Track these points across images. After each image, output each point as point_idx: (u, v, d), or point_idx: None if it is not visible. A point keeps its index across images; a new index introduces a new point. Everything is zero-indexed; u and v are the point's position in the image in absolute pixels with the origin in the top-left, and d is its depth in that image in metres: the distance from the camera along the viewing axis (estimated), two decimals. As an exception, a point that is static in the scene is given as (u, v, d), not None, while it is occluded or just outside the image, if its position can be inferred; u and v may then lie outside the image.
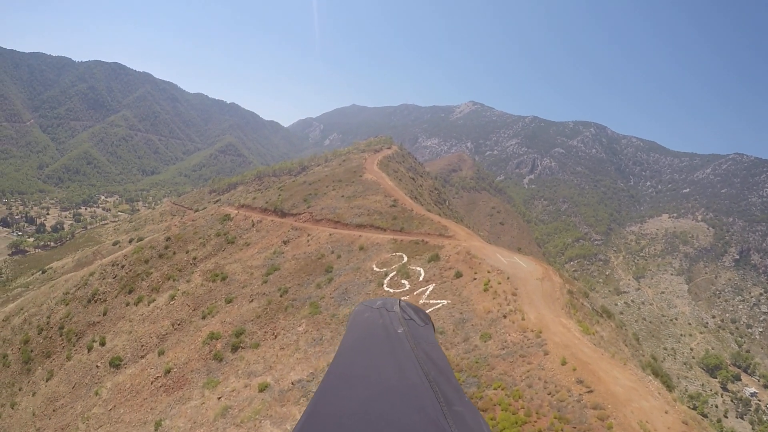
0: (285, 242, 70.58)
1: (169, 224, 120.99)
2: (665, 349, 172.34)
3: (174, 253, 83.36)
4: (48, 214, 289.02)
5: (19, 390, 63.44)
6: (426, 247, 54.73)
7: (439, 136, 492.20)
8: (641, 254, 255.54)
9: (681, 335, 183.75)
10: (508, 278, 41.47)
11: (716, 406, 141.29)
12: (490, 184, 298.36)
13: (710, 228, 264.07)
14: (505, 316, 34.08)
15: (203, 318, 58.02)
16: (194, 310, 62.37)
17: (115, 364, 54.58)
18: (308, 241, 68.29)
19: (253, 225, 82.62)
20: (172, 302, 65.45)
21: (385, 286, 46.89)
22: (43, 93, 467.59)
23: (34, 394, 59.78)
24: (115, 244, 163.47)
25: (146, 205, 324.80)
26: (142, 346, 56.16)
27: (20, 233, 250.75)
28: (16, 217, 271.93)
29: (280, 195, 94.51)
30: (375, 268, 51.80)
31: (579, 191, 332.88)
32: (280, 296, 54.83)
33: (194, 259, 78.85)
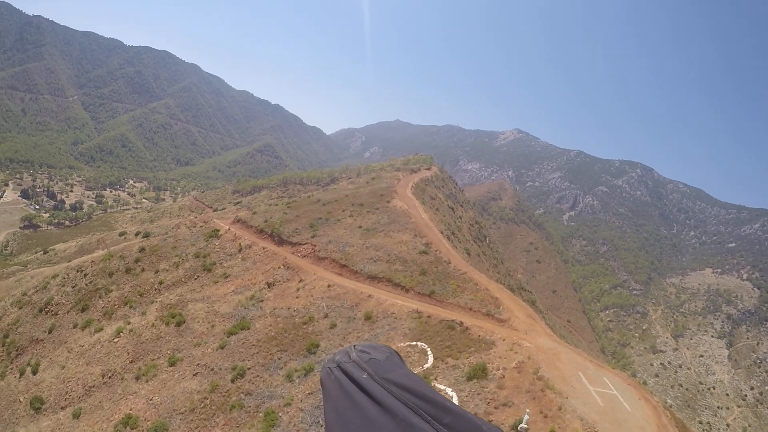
0: (269, 285, 52.14)
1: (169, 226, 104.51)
2: (700, 422, 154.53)
3: (142, 269, 68.75)
4: (71, 191, 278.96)
5: None
6: (465, 339, 35.66)
7: (480, 161, 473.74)
8: (681, 310, 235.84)
9: (718, 407, 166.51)
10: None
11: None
12: (530, 217, 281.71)
13: (756, 288, 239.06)
14: None
15: (136, 379, 44.25)
16: (132, 362, 48.08)
17: (35, 406, 48.53)
18: (299, 289, 49.70)
19: (240, 250, 64.58)
20: (115, 340, 52.34)
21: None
22: (91, 72, 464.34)
23: None
24: (121, 234, 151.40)
25: (173, 195, 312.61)
26: (66, 393, 48.17)
27: (38, 207, 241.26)
28: (38, 190, 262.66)
29: (284, 213, 75.95)
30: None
31: (620, 234, 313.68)
32: (231, 381, 37.46)
33: (160, 283, 63.70)
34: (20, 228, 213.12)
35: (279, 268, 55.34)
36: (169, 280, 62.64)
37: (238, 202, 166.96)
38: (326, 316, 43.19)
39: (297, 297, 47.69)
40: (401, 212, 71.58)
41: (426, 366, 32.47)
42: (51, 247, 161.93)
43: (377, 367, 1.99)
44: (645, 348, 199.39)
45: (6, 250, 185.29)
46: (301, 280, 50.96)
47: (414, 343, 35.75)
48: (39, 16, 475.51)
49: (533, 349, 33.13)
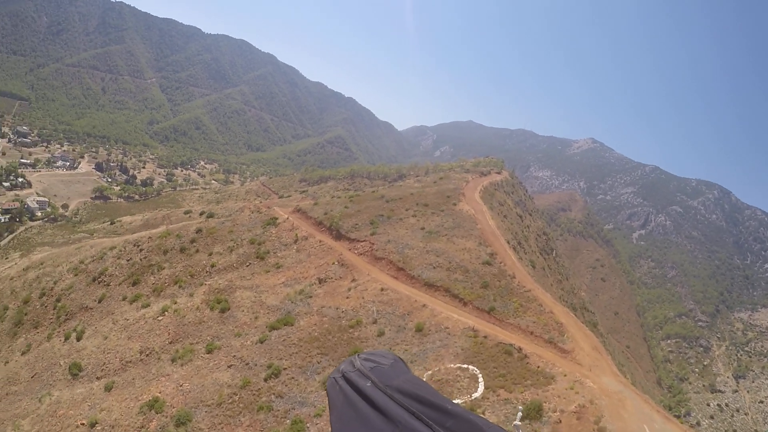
0: (321, 281, 49.65)
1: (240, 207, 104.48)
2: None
3: (197, 250, 67.90)
4: (143, 167, 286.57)
5: None
6: (522, 369, 32.06)
7: (552, 169, 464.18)
8: (746, 348, 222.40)
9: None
10: None
11: None
12: (598, 232, 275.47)
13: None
14: None
15: (172, 361, 42.93)
16: (171, 342, 46.64)
17: (73, 372, 48.94)
18: (350, 289, 47.00)
19: (295, 241, 62.48)
20: (159, 318, 51.40)
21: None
22: (169, 56, 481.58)
23: (6, 363, 58.36)
24: (186, 213, 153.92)
25: (242, 179, 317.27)
26: (104, 364, 48.11)
27: (110, 180, 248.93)
28: (112, 164, 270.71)
29: (345, 207, 73.54)
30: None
31: (690, 259, 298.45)
32: (264, 380, 35.08)
33: (212, 266, 62.26)
34: (91, 198, 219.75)
35: (333, 264, 52.85)
36: (221, 264, 61.38)
37: (303, 191, 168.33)
38: (375, 322, 40.27)
39: (347, 297, 45.04)
40: (467, 217, 67.91)
41: (474, 395, 29.06)
42: (118, 219, 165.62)
43: (381, 375, 2.01)
44: (703, 385, 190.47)
45: (75, 217, 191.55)
46: (353, 280, 48.29)
47: (465, 366, 32.27)
48: (121, 2, 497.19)
49: (597, 392, 29.18)
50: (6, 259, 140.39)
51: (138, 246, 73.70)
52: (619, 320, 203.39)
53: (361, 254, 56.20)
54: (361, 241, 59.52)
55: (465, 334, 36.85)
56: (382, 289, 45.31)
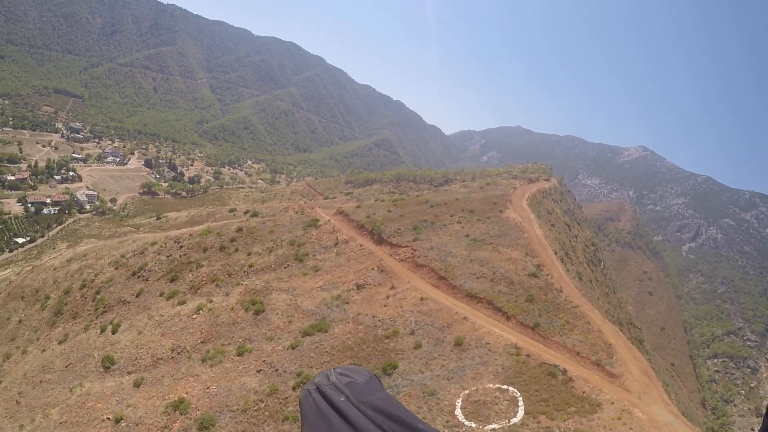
0: (359, 286, 48.02)
1: (285, 207, 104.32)
2: None
3: (236, 250, 67.26)
4: (192, 165, 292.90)
5: (36, 339, 64.56)
6: (566, 394, 29.67)
7: (601, 177, 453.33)
8: None
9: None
10: None
11: None
12: (647, 244, 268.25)
13: None
14: None
15: (202, 361, 42.54)
16: (202, 342, 46.08)
17: (106, 365, 49.29)
18: (389, 297, 45.22)
19: (336, 244, 61.00)
20: (194, 316, 51.21)
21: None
22: (219, 58, 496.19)
23: (43, 351, 59.38)
24: (231, 211, 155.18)
25: (288, 179, 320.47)
26: (136, 360, 47.99)
27: (158, 176, 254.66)
28: (161, 161, 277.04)
29: (388, 211, 71.97)
30: (458, 416, 27.55)
31: (742, 275, 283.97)
32: (293, 388, 33.97)
33: (250, 266, 61.57)
34: (139, 193, 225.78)
35: (372, 269, 51.13)
36: (259, 264, 60.55)
37: (348, 193, 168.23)
38: (413, 333, 38.32)
39: (385, 305, 43.27)
40: (514, 225, 65.39)
41: (513, 421, 26.82)
42: (164, 215, 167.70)
43: (355, 391, 2.01)
44: (749, 408, 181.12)
45: (123, 211, 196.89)
46: (392, 287, 46.46)
47: (505, 387, 30.02)
48: (173, 4, 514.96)
49: (646, 424, 26.79)
50: (53, 249, 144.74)
51: (179, 243, 73.65)
52: (665, 336, 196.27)
53: (402, 260, 54.38)
54: (403, 247, 57.70)
55: (507, 352, 34.63)
56: (421, 299, 43.33)
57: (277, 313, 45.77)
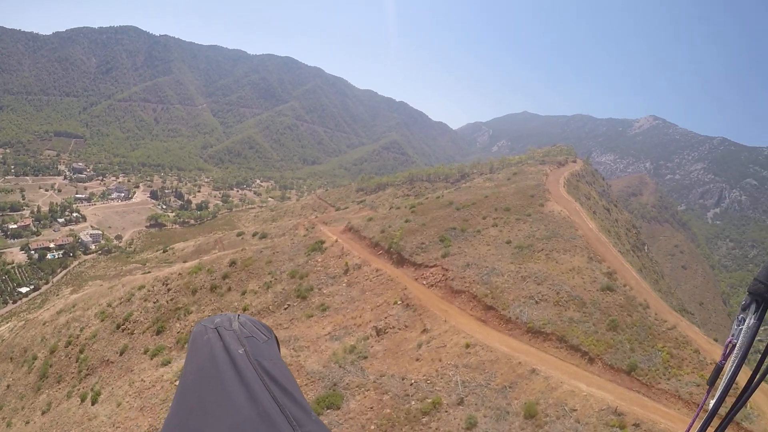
0: (379, 331, 35.12)
1: (295, 225, 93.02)
2: None
3: (229, 288, 56.03)
4: (199, 191, 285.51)
5: (22, 409, 57.16)
6: None
7: (615, 152, 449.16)
8: None
9: None
10: None
11: None
12: (673, 215, 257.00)
13: None
14: None
15: None
16: None
17: None
18: (421, 345, 31.99)
19: (345, 272, 48.08)
20: (176, 382, 39.19)
21: None
22: (217, 81, 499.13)
23: (26, 423, 52.36)
24: (239, 235, 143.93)
25: (299, 194, 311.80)
26: None
27: (164, 207, 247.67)
28: (167, 191, 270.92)
29: (406, 221, 59.29)
30: None
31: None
32: None
33: (244, 309, 50.13)
34: (146, 227, 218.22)
35: (395, 303, 38.08)
36: (254, 306, 48.67)
37: (361, 201, 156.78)
38: (461, 402, 25.65)
39: (417, 359, 30.27)
40: (562, 220, 52.04)
41: None
42: (170, 246, 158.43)
43: (255, 347, 1.81)
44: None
45: (129, 247, 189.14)
46: (425, 330, 33.29)
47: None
48: (165, 35, 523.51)
49: None
50: (57, 295, 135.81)
51: (166, 285, 62.99)
52: (705, 311, 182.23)
53: (431, 286, 41.62)
54: (431, 267, 44.73)
55: (603, 422, 22.28)
56: (467, 345, 30.03)
57: (274, 381, 33.72)
